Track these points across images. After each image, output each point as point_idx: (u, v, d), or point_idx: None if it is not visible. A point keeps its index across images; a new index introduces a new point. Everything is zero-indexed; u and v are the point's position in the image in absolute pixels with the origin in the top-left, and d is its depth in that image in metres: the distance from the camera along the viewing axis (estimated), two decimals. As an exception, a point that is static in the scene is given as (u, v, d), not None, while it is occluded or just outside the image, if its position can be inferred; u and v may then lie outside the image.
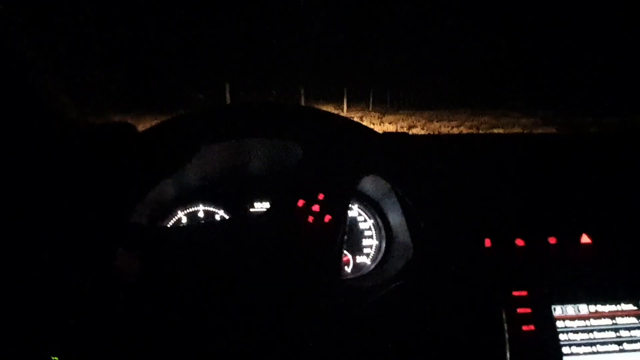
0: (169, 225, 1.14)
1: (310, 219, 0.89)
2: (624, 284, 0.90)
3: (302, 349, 0.80)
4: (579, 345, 0.85)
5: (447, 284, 0.89)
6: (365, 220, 1.19)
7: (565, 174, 1.06)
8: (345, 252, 1.15)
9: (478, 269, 0.91)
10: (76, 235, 0.85)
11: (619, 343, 0.85)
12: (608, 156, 1.10)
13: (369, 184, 1.09)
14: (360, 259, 1.17)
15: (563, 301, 0.87)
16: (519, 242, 0.94)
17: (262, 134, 1.02)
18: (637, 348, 0.85)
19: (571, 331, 0.86)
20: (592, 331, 0.86)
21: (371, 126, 1.07)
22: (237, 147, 1.06)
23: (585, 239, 0.94)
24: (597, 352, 0.85)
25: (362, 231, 1.19)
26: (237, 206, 1.17)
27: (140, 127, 1.02)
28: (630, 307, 0.88)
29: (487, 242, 0.93)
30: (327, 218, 0.90)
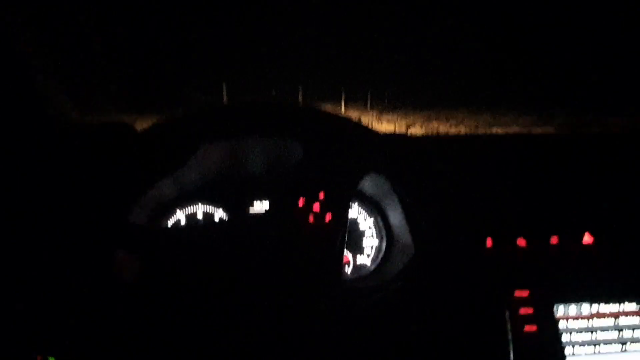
0: (168, 226, 1.14)
1: (311, 218, 0.89)
2: (627, 283, 0.89)
3: (302, 350, 0.79)
4: (581, 345, 0.84)
5: (449, 284, 0.89)
6: (365, 220, 1.19)
7: (567, 173, 1.05)
8: (346, 252, 1.15)
9: (479, 269, 0.91)
10: (75, 235, 0.84)
11: (622, 344, 0.85)
12: (610, 155, 1.09)
13: (370, 184, 1.09)
14: (360, 260, 1.17)
15: (565, 301, 0.87)
16: (521, 242, 0.93)
17: (261, 133, 1.01)
18: None
19: (574, 331, 0.85)
20: (594, 331, 0.86)
21: (370, 125, 1.07)
22: (236, 146, 1.05)
23: (587, 238, 0.94)
24: (600, 353, 0.84)
25: (362, 231, 1.18)
26: (237, 206, 1.17)
27: (139, 127, 1.02)
28: (633, 307, 0.87)
29: (489, 242, 0.93)
30: (328, 218, 0.89)
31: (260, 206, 1.17)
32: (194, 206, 1.16)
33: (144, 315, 0.80)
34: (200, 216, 1.16)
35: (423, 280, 0.90)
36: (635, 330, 0.86)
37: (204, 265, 0.86)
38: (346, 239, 0.91)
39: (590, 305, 0.87)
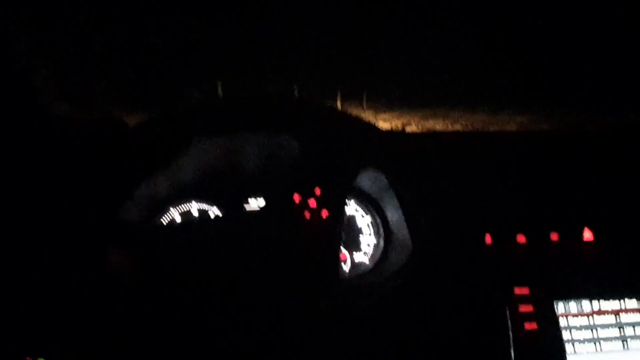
0: (163, 224, 1.11)
1: (307, 215, 0.87)
2: (628, 280, 0.88)
3: (301, 347, 0.78)
4: (582, 343, 0.83)
5: (448, 282, 0.87)
6: (363, 218, 1.17)
7: (567, 169, 1.04)
8: (343, 250, 1.13)
9: (479, 266, 0.90)
10: (66, 233, 0.82)
11: (624, 341, 0.84)
12: (610, 152, 1.09)
13: (367, 181, 1.07)
14: (358, 257, 1.15)
15: (566, 298, 0.86)
16: (520, 239, 0.92)
17: (256, 128, 1.00)
18: None
19: (574, 329, 0.84)
20: (595, 329, 0.85)
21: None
22: (231, 142, 1.03)
23: (587, 234, 0.93)
24: (601, 351, 0.83)
25: (360, 229, 1.17)
26: (232, 203, 1.15)
27: (133, 123, 1.00)
28: (634, 304, 0.86)
29: (488, 239, 0.92)
30: (325, 214, 0.88)
31: (255, 203, 1.15)
32: (189, 204, 1.14)
33: (139, 313, 0.79)
34: (195, 213, 1.14)
35: (422, 278, 0.88)
36: (636, 327, 0.85)
37: (200, 262, 0.84)
38: (343, 235, 0.90)
39: (591, 303, 0.86)
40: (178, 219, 1.13)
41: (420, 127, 1.52)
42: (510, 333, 0.82)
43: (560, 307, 0.85)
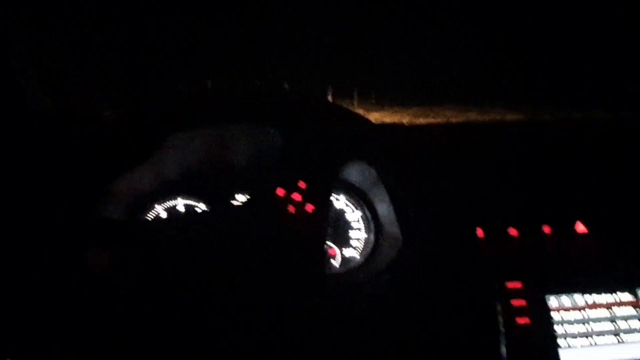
0: (147, 220, 1.09)
1: (291, 208, 0.85)
2: (621, 273, 0.87)
3: (289, 344, 0.76)
4: (576, 337, 0.82)
5: (439, 276, 0.86)
6: (353, 212, 1.15)
7: (559, 161, 1.03)
8: (332, 245, 1.11)
9: (470, 260, 0.88)
10: (42, 232, 0.79)
11: (617, 334, 0.83)
12: (604, 145, 1.08)
13: (356, 174, 1.05)
14: (348, 253, 1.13)
15: (558, 292, 0.84)
16: (512, 232, 0.90)
17: (240, 120, 0.97)
18: (636, 339, 0.83)
19: (567, 323, 0.82)
20: (588, 322, 0.83)
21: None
22: (216, 136, 1.01)
23: (580, 227, 0.92)
24: (595, 345, 0.82)
25: (349, 223, 1.15)
26: (218, 199, 1.12)
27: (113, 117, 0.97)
28: (627, 297, 0.85)
29: (479, 232, 0.90)
30: (310, 208, 0.85)
31: (242, 199, 1.13)
32: (174, 200, 1.11)
33: (123, 313, 0.76)
34: (181, 209, 1.12)
35: (413, 273, 0.87)
36: (630, 321, 0.84)
37: (184, 260, 0.82)
38: (330, 230, 0.88)
39: (584, 296, 0.85)
40: (164, 215, 1.10)
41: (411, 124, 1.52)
42: (502, 328, 0.80)
43: (553, 301, 0.84)
